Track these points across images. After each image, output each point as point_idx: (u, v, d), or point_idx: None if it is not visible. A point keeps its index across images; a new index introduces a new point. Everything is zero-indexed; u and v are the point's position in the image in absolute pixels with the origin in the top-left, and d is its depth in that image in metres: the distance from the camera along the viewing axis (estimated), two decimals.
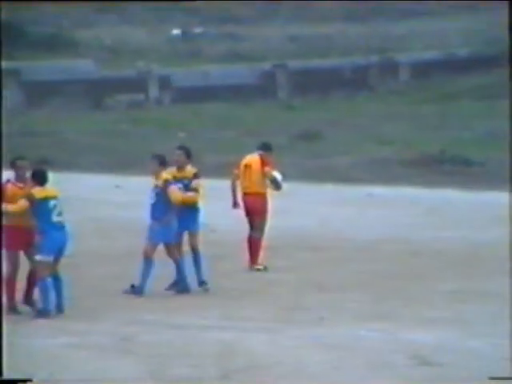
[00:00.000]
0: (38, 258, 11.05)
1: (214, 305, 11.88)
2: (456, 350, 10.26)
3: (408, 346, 10.29)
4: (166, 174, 12.14)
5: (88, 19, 47.91)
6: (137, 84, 39.04)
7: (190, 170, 12.50)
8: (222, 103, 35.77)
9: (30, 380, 8.46)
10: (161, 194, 12.00)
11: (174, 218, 12.05)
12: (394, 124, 30.77)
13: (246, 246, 13.70)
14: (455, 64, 39.14)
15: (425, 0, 46.80)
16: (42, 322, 11.06)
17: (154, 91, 39.41)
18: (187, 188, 12.29)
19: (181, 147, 12.67)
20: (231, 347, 10.29)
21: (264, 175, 13.81)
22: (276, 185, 13.92)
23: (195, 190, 12.34)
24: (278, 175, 13.92)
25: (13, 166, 11.37)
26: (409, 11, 47.98)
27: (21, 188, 11.19)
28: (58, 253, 11.13)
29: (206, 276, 12.53)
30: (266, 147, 14.10)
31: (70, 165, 26.21)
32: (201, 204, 12.54)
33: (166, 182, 12.02)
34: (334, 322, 11.13)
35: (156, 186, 12.06)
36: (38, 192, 11.11)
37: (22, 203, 11.03)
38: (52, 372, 9.00)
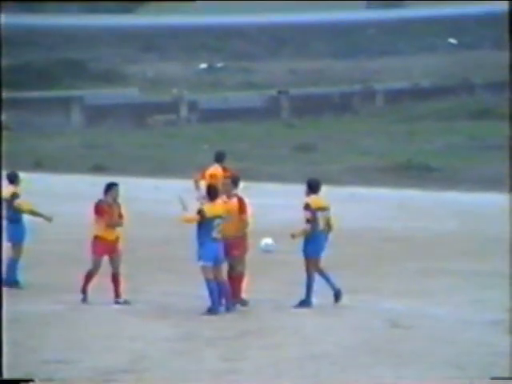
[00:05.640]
0: (199, 263, 10.12)
1: None
2: (421, 315, 10.22)
3: (383, 313, 10.25)
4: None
5: (135, 57, 47.99)
6: (171, 107, 39.10)
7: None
8: (237, 122, 35.78)
9: (32, 380, 7.18)
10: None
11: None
12: (371, 139, 30.73)
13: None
14: (420, 92, 39.18)
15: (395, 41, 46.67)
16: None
17: (184, 113, 39.43)
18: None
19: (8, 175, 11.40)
20: (244, 313, 10.25)
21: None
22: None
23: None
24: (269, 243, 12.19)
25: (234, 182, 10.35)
26: (383, 50, 47.96)
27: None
28: (216, 261, 10.16)
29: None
30: (220, 157, 12.84)
31: (121, 171, 26.15)
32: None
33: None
34: (325, 294, 11.07)
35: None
36: (208, 209, 10.10)
37: (195, 217, 10.01)
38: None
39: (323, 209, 10.52)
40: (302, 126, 34.69)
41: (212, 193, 10.26)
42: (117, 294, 10.69)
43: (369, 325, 9.80)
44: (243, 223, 10.42)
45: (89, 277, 10.69)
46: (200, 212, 10.13)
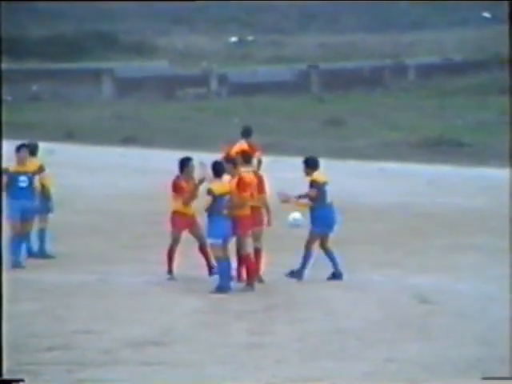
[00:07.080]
0: (209, 241, 10.06)
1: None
2: (448, 291, 10.18)
3: (410, 288, 10.22)
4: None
5: (165, 29, 47.91)
6: (201, 80, 39.02)
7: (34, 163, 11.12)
8: (267, 96, 35.65)
9: (22, 380, 7.03)
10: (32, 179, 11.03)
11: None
12: (402, 114, 30.48)
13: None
14: (451, 67, 38.70)
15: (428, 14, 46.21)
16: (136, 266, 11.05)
17: (214, 86, 39.35)
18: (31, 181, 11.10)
19: (26, 145, 11.05)
20: (271, 287, 10.28)
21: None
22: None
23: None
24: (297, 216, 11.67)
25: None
26: (415, 24, 47.38)
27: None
28: (225, 238, 9.99)
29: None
30: (247, 133, 12.62)
31: (150, 142, 26.25)
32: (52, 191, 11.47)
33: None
34: (352, 268, 11.07)
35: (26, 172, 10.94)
36: (216, 187, 9.99)
37: (208, 200, 9.95)
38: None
39: (327, 184, 10.62)
40: (332, 100, 34.47)
41: (217, 169, 10.08)
42: (209, 264, 10.48)
43: (395, 300, 9.77)
44: (240, 202, 10.09)
45: (171, 252, 10.54)
46: (209, 192, 10.02)
